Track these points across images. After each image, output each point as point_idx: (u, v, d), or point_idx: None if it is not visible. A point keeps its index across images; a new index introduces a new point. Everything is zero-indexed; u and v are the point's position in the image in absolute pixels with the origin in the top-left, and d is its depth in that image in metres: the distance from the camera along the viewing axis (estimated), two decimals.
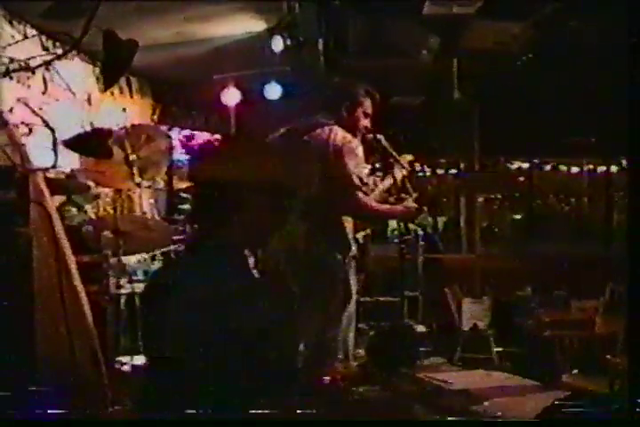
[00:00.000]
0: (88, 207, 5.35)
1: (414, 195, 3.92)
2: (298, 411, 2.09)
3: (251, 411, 2.00)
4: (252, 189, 2.17)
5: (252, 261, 2.25)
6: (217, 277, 2.09)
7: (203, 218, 2.26)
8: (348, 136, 3.77)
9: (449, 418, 2.40)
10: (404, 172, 4.04)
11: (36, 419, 2.66)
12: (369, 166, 4.13)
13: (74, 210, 5.09)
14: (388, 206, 3.98)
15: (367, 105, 3.94)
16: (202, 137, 7.95)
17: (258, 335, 2.03)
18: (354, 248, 3.85)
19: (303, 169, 3.69)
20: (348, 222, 3.83)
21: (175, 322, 2.04)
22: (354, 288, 3.82)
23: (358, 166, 3.73)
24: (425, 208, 4.06)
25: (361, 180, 3.72)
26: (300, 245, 3.66)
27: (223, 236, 2.18)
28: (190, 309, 2.03)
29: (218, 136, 7.36)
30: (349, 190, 3.69)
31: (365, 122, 3.94)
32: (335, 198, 3.74)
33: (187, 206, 6.17)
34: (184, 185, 6.62)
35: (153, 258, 5.32)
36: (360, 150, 3.78)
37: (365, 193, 3.77)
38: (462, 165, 9.04)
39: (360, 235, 5.21)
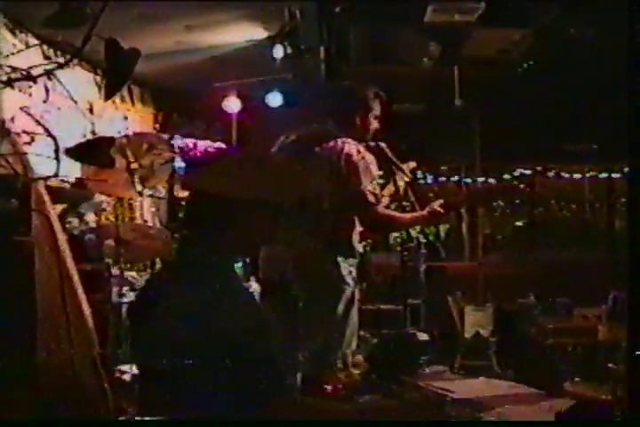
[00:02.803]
0: (90, 216, 5.35)
1: (440, 201, 3.78)
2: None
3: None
4: (249, 202, 2.16)
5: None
6: (205, 286, 2.09)
7: (194, 227, 2.25)
8: (363, 151, 3.69)
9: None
10: (407, 179, 4.00)
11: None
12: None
13: (75, 221, 5.09)
14: (410, 215, 3.87)
15: (377, 108, 3.88)
16: (203, 145, 7.95)
17: (246, 345, 2.02)
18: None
19: (314, 183, 3.65)
20: (357, 235, 3.79)
21: (165, 332, 2.03)
22: (357, 299, 3.80)
23: (373, 182, 3.69)
24: (452, 213, 3.92)
25: (376, 196, 3.67)
26: (309, 257, 3.62)
27: (212, 245, 2.17)
28: (179, 318, 2.02)
29: (221, 144, 7.37)
30: (366, 207, 3.64)
31: (375, 125, 3.90)
32: (351, 215, 3.69)
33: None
34: (186, 193, 6.61)
35: (154, 266, 5.32)
36: (374, 166, 3.69)
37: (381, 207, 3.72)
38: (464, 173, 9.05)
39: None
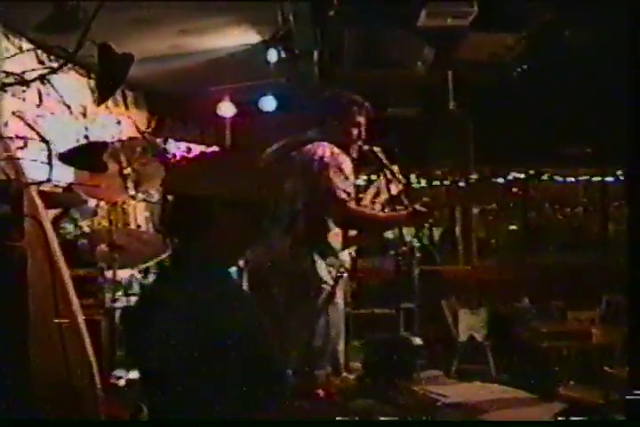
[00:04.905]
0: (82, 222, 5.33)
1: (425, 199, 3.83)
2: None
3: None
4: (227, 204, 2.15)
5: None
6: (201, 291, 2.08)
7: (176, 231, 2.24)
8: (336, 152, 3.75)
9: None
10: (400, 185, 4.00)
11: None
12: (360, 180, 4.07)
13: (69, 226, 5.08)
14: (387, 213, 3.88)
15: (355, 114, 3.91)
16: (197, 150, 7.95)
17: (236, 347, 2.02)
18: (343, 262, 3.82)
19: (287, 184, 3.68)
20: (337, 236, 3.80)
21: (159, 336, 2.03)
22: (340, 300, 3.80)
23: (345, 182, 3.70)
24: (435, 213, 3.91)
25: (348, 194, 3.69)
26: (285, 258, 3.66)
27: (196, 250, 2.16)
28: (172, 322, 2.02)
29: (210, 148, 7.37)
30: (336, 204, 3.67)
31: (357, 132, 3.92)
32: (323, 213, 3.72)
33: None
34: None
35: (147, 271, 5.29)
36: (347, 165, 3.75)
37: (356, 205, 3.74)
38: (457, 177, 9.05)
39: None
